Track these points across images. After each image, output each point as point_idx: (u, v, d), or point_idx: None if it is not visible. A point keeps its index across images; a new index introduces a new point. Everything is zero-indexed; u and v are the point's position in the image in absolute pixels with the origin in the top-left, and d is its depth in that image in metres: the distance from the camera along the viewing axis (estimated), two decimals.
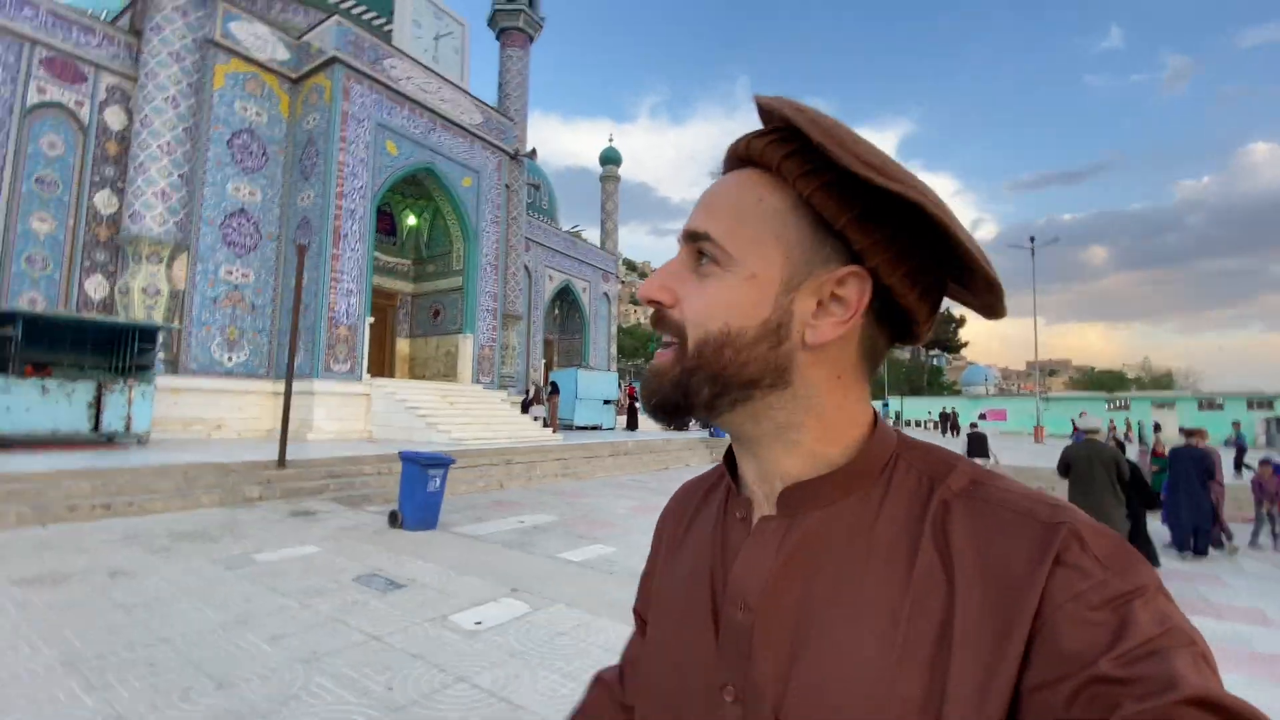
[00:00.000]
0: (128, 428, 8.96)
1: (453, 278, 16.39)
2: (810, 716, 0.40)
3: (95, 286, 11.45)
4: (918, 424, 40.53)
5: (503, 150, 16.90)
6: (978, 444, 10.89)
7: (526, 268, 22.23)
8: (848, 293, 0.44)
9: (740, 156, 0.47)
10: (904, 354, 57.25)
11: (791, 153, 0.43)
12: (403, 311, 17.29)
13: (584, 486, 10.33)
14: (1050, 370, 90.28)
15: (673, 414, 0.45)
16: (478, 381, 15.75)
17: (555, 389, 17.40)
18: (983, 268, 0.43)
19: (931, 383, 53.62)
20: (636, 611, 0.63)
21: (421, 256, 17.33)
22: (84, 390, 8.66)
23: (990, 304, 0.46)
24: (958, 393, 50.18)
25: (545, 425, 15.41)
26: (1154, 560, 5.78)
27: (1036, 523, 0.38)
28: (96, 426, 8.74)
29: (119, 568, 4.33)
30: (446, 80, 15.05)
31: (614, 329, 28.87)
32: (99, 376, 9.09)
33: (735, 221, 0.44)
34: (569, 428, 17.84)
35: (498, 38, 20.44)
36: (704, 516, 0.56)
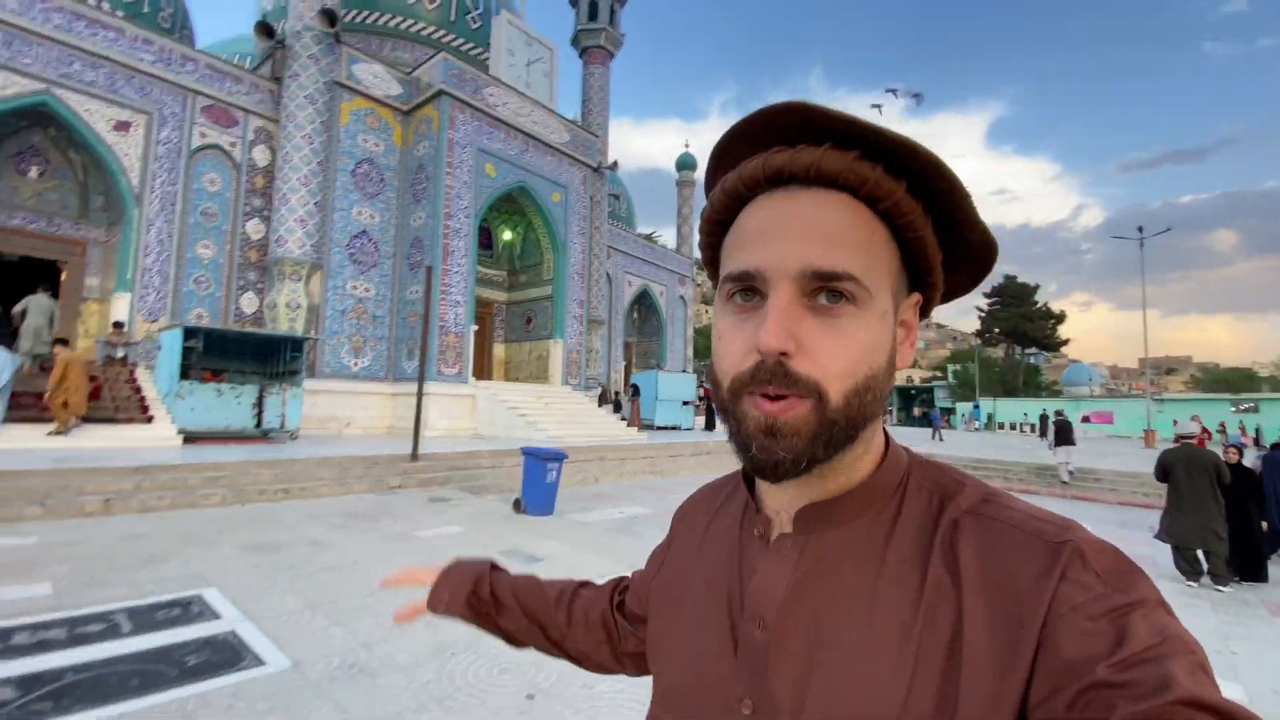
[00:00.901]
0: (282, 425, 10.43)
1: (543, 287, 17.50)
2: None
3: (248, 302, 13.25)
4: (1013, 427, 38.27)
5: (587, 165, 17.84)
6: (1064, 432, 11.56)
7: (608, 274, 23.15)
8: (911, 317, 0.48)
9: (814, 175, 0.43)
10: (997, 352, 54.17)
11: (907, 189, 0.44)
12: (498, 319, 18.60)
13: (670, 483, 10.93)
14: (1167, 369, 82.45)
15: (807, 469, 0.43)
16: (567, 383, 16.75)
17: (636, 391, 18.16)
18: (987, 246, 0.47)
19: (1028, 383, 50.40)
20: (642, 578, 0.70)
21: (515, 268, 18.58)
22: (249, 393, 10.18)
23: (974, 275, 0.50)
24: (1058, 393, 46.94)
25: (628, 425, 16.17)
26: (1262, 572, 5.55)
27: (1043, 541, 0.40)
28: (258, 423, 10.25)
29: (315, 539, 5.35)
30: (538, 104, 16.14)
31: (689, 331, 29.39)
32: (259, 381, 10.62)
33: (866, 256, 0.43)
34: (650, 427, 18.52)
35: (580, 56, 21.47)
36: (720, 525, 0.57)
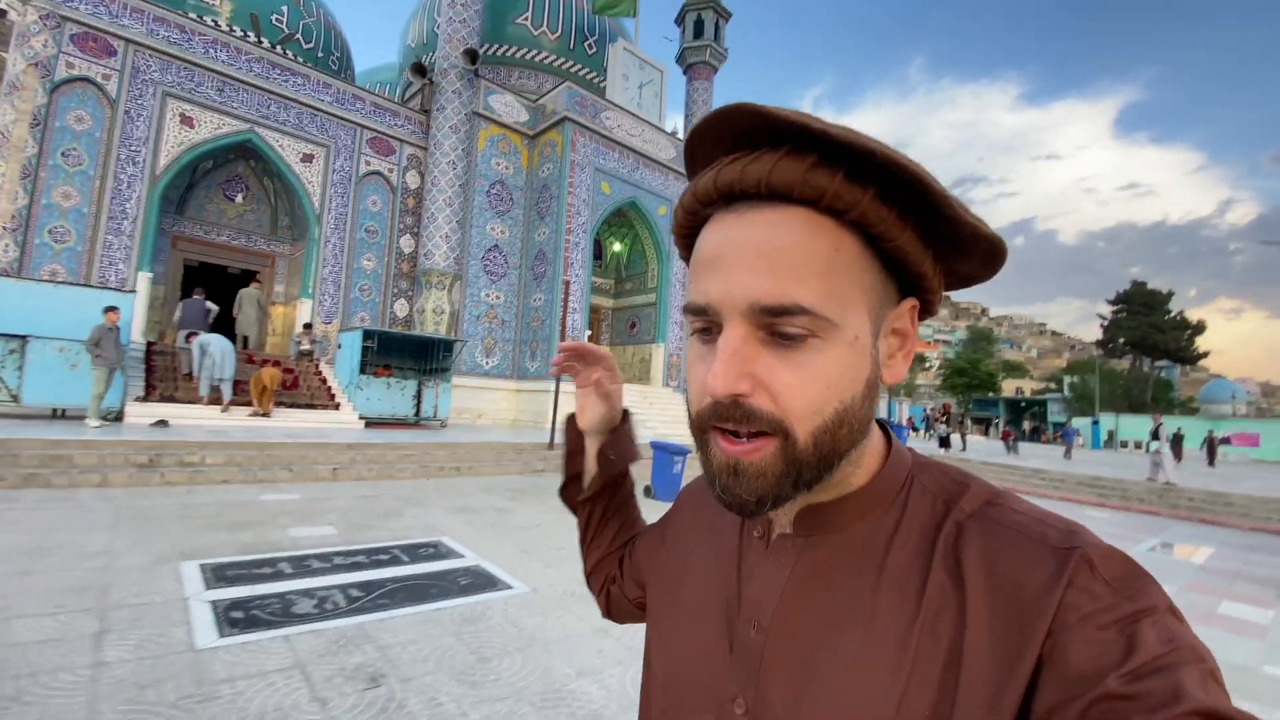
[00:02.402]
0: (435, 414, 12.19)
1: (647, 294, 18.70)
2: None
3: (400, 308, 15.34)
4: (1138, 446, 35.09)
5: None
6: (1156, 435, 13.05)
7: None
8: (906, 324, 0.45)
9: (766, 190, 0.40)
10: (1122, 364, 49.75)
11: (877, 194, 0.39)
12: (605, 324, 20.03)
13: None
14: None
15: (774, 506, 0.42)
16: (668, 385, 17.83)
17: None
18: (990, 242, 0.42)
19: (1158, 399, 45.84)
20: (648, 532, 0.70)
21: (621, 276, 19.93)
22: (410, 386, 12.00)
23: (987, 266, 0.45)
24: (1194, 410, 42.60)
25: None
26: None
27: (1049, 547, 0.38)
28: (416, 412, 12.04)
29: (497, 506, 6.66)
30: (649, 123, 17.34)
31: None
32: (417, 376, 12.45)
33: (825, 281, 0.39)
34: None
35: (685, 72, 22.48)
36: (724, 520, 0.56)
